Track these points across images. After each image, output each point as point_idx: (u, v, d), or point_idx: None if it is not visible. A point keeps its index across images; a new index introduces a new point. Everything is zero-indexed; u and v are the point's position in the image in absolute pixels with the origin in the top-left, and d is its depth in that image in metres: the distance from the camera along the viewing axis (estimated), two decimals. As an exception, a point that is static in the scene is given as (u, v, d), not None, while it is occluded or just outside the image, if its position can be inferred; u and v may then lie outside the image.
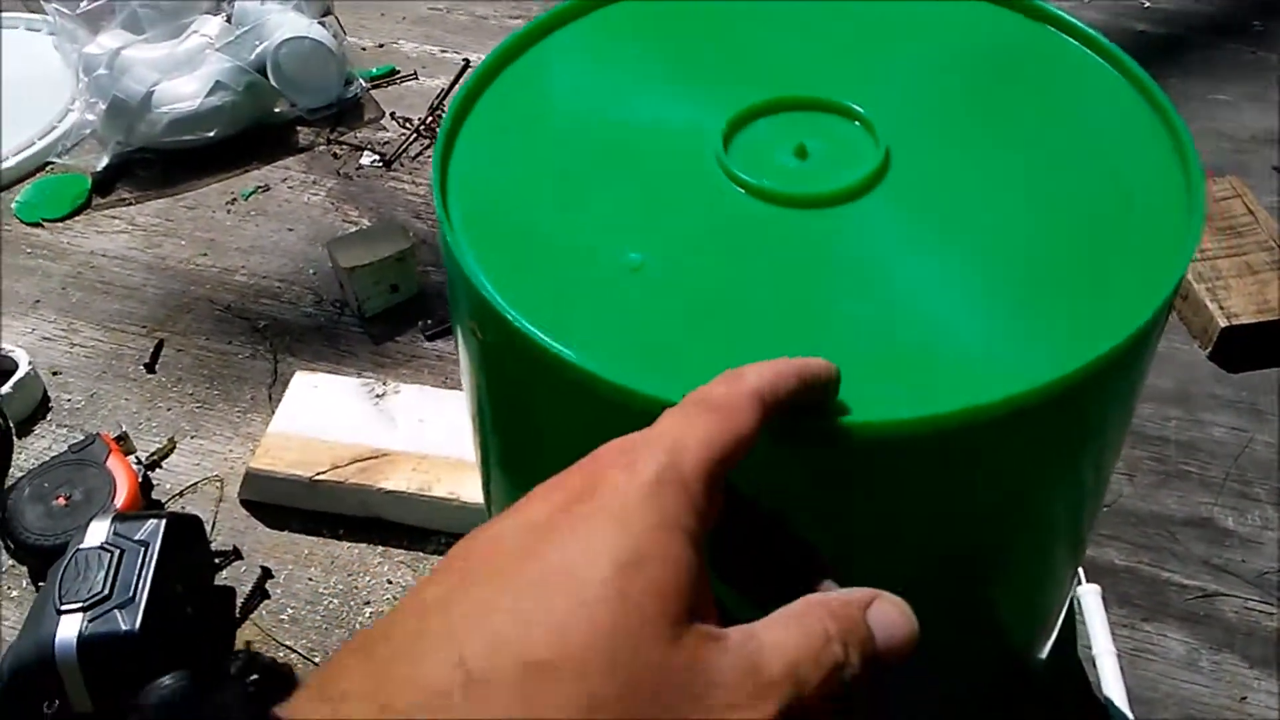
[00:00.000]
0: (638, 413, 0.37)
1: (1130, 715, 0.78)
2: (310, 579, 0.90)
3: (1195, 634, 0.85)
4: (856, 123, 0.50)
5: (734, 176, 0.49)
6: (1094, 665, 0.82)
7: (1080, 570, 0.87)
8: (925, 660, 0.54)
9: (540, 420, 0.48)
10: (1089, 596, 0.85)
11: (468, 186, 0.50)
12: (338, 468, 0.91)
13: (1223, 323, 1.02)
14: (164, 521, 0.81)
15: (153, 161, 1.25)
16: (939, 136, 0.50)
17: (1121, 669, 0.81)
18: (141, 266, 1.16)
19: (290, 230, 1.19)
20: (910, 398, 0.40)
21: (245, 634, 0.86)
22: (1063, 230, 0.47)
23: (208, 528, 0.91)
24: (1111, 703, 0.79)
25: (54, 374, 1.05)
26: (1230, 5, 1.44)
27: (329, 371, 1.02)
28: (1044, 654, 0.70)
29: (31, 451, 0.98)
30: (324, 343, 1.08)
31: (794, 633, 0.29)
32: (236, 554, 0.91)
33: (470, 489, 0.89)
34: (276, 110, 1.29)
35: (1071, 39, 0.54)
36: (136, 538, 0.80)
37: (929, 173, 0.49)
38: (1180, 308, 1.07)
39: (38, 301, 1.12)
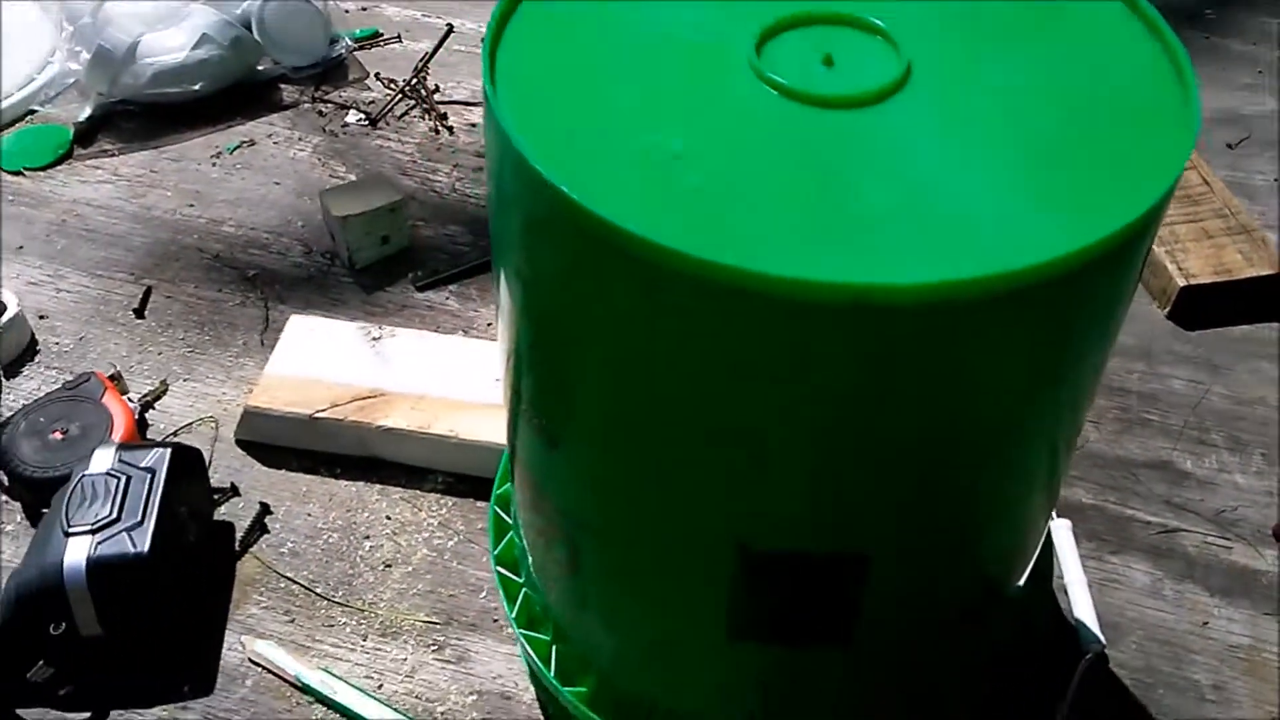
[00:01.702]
0: (687, 276, 0.40)
1: (1101, 637, 0.83)
2: (309, 515, 0.91)
3: (1159, 565, 0.90)
4: (879, 37, 0.54)
5: (766, 79, 0.52)
6: (1065, 594, 0.86)
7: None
8: (920, 581, 0.58)
9: (589, 295, 0.50)
10: (1060, 530, 0.90)
11: (514, 81, 0.52)
12: (336, 406, 0.92)
13: (1181, 283, 1.07)
14: (169, 450, 0.82)
15: (135, 113, 1.25)
16: (956, 52, 0.54)
17: (1091, 597, 0.86)
18: (127, 216, 1.15)
19: (277, 184, 1.20)
20: (908, 266, 0.44)
21: (246, 566, 0.87)
22: (1072, 130, 0.51)
23: (204, 465, 0.92)
24: (1083, 624, 0.84)
25: (41, 318, 1.05)
26: (1183, -6, 1.51)
27: (319, 317, 1.03)
28: (1022, 582, 0.74)
29: (20, 392, 0.98)
30: (315, 291, 1.08)
31: None
32: (235, 491, 0.91)
33: (468, 426, 0.91)
34: (260, 67, 1.29)
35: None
36: (143, 465, 0.80)
37: (947, 82, 0.52)
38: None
39: (21, 248, 1.11)
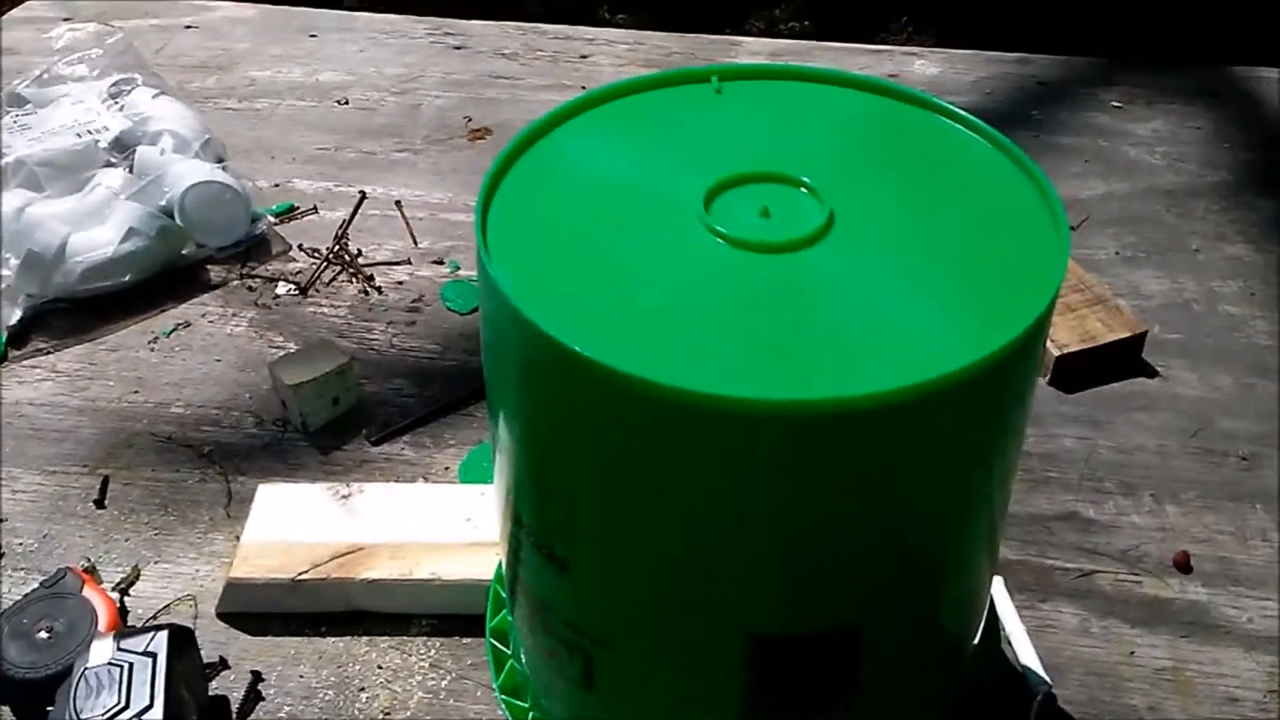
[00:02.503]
0: (686, 409, 0.49)
1: (1047, 678, 0.92)
2: (301, 676, 0.94)
3: (1083, 606, 1.01)
4: (803, 190, 0.65)
5: (715, 231, 0.62)
6: (1009, 644, 0.96)
7: (985, 566, 1.01)
8: (904, 644, 0.67)
9: (584, 430, 0.58)
10: (996, 587, 1.00)
11: (502, 244, 0.61)
12: (318, 566, 0.96)
13: (1056, 353, 1.22)
14: (167, 632, 0.85)
15: (67, 310, 1.28)
16: (868, 197, 0.65)
17: (1032, 643, 0.96)
18: (72, 410, 1.18)
19: (218, 360, 1.24)
20: (863, 379, 0.54)
21: (248, 734, 0.89)
22: (970, 253, 0.62)
23: (191, 642, 0.94)
24: (1029, 669, 0.93)
25: (0, 521, 1.06)
26: (1010, 101, 1.72)
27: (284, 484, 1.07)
28: (976, 639, 0.83)
29: (-11, 598, 0.98)
30: (273, 459, 1.13)
31: None
32: (224, 664, 0.94)
33: (448, 567, 0.96)
34: (186, 252, 1.35)
35: (949, 119, 0.71)
36: (143, 650, 0.83)
37: (863, 221, 0.63)
38: (1019, 345, 1.27)
39: (-33, 454, 1.13)
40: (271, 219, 1.42)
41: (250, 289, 1.34)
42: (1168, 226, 1.47)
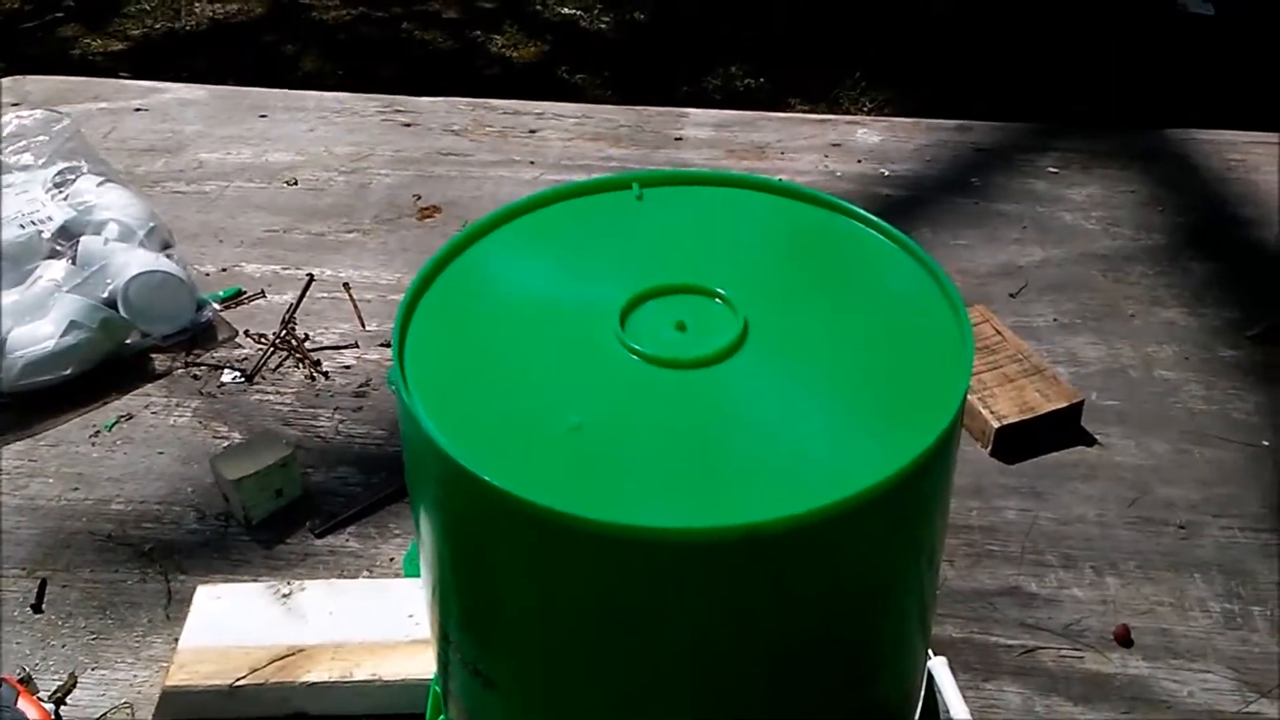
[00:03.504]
0: (597, 538, 0.49)
1: (992, 761, 0.92)
2: (241, 784, 0.92)
3: (1026, 685, 1.01)
4: (718, 301, 0.66)
5: (631, 349, 0.63)
6: (954, 727, 0.96)
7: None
8: None
9: (504, 562, 0.59)
10: (939, 668, 1.00)
11: (421, 367, 0.62)
12: (256, 670, 0.95)
13: (995, 424, 1.24)
14: (98, 747, 0.83)
15: (7, 405, 1.27)
16: (780, 304, 0.67)
17: (977, 724, 0.96)
18: (10, 510, 1.16)
19: (160, 454, 1.24)
20: (780, 500, 0.54)
21: None
22: (879, 361, 0.64)
23: (126, 753, 0.93)
24: (976, 753, 0.93)
25: (-67, 628, 1.04)
26: (950, 168, 1.76)
27: (224, 583, 1.06)
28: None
29: (-82, 711, 0.96)
30: (214, 555, 1.12)
31: None
32: (160, 773, 0.92)
33: (389, 667, 0.95)
34: (129, 341, 1.34)
35: (860, 223, 0.73)
36: (72, 768, 0.81)
37: (777, 332, 0.65)
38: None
39: (-99, 559, 1.11)
40: (217, 305, 1.42)
41: (195, 377, 1.34)
42: (1103, 292, 1.50)
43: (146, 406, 1.30)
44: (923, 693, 0.83)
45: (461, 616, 0.66)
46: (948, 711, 0.97)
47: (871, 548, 0.60)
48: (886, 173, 1.75)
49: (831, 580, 0.59)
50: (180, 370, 1.35)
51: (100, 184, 1.50)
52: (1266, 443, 1.26)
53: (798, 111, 1.94)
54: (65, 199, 1.46)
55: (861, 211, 0.73)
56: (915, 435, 0.58)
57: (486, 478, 0.54)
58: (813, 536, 0.55)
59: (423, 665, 0.94)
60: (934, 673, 1.00)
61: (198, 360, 1.36)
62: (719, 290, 0.67)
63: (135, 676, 1.00)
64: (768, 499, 0.55)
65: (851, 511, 0.55)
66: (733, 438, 0.59)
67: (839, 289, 0.69)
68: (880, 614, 0.65)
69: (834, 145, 1.82)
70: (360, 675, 0.95)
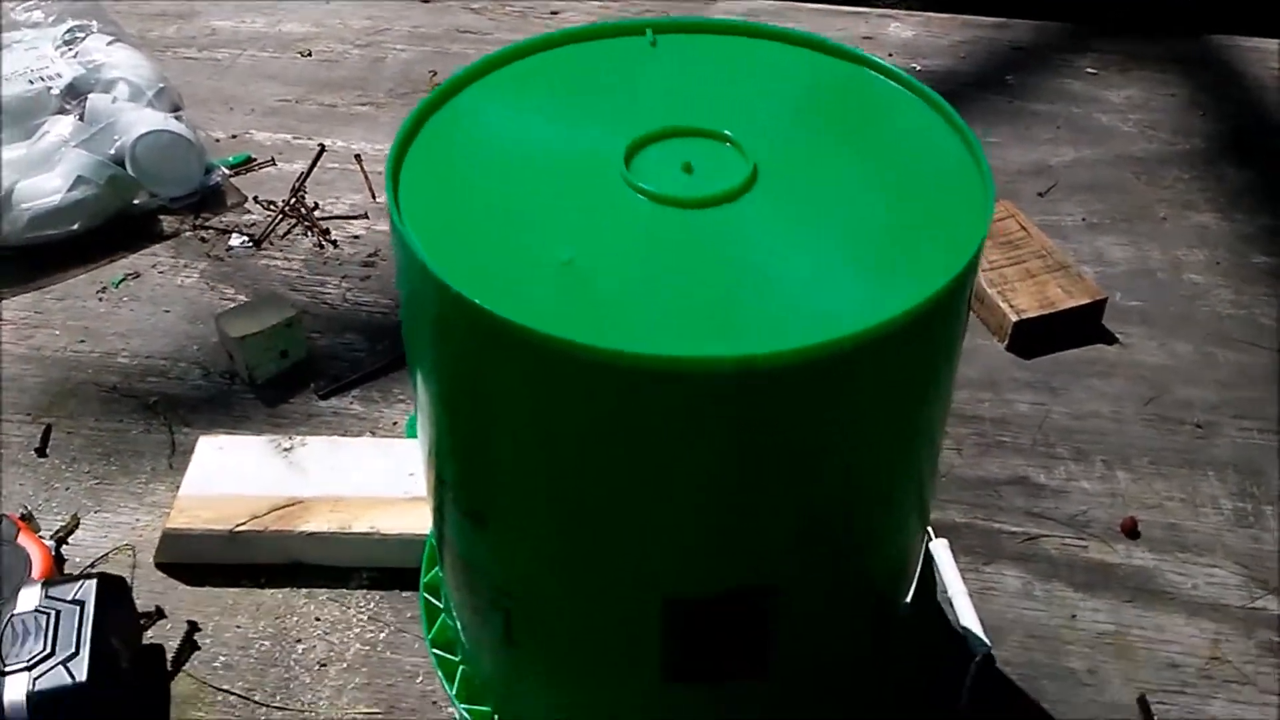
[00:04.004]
0: (593, 365, 0.47)
1: (987, 640, 0.92)
2: (238, 627, 0.93)
3: (1026, 570, 1.00)
4: (729, 145, 0.63)
5: (637, 187, 0.60)
6: (951, 605, 0.95)
7: (930, 529, 1.01)
8: (821, 609, 0.66)
9: (498, 392, 0.57)
10: (940, 549, 0.99)
11: (416, 201, 0.59)
12: (256, 518, 0.95)
13: (1014, 318, 1.21)
14: (95, 581, 0.84)
15: (14, 258, 1.26)
16: (793, 152, 0.64)
17: (973, 604, 0.95)
18: (16, 358, 1.16)
19: (167, 312, 1.23)
20: (778, 336, 0.52)
21: (181, 685, 0.88)
22: (893, 211, 0.61)
23: (126, 593, 0.93)
24: (970, 631, 0.93)
25: (-62, 468, 1.04)
26: (985, 65, 1.70)
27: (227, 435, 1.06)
28: (908, 599, 0.82)
29: (-76, 545, 0.97)
30: (218, 411, 1.11)
31: None
32: (160, 613, 0.93)
33: (387, 521, 0.95)
34: (137, 201, 1.33)
35: (884, 76, 0.70)
36: (70, 598, 0.82)
37: (788, 177, 0.62)
38: (979, 310, 1.26)
39: (-92, 400, 1.11)
40: (227, 170, 1.39)
41: (203, 240, 1.32)
42: (1136, 194, 1.46)
43: (154, 266, 1.28)
44: (919, 572, 0.83)
45: (456, 454, 0.65)
46: (945, 590, 0.96)
47: (868, 397, 0.58)
48: (919, 67, 1.69)
49: (826, 427, 0.57)
50: (188, 232, 1.33)
51: (110, 43, 1.46)
52: (1292, 348, 1.23)
53: (830, 3, 1.87)
54: (75, 57, 1.43)
55: (889, 65, 0.70)
56: (922, 283, 0.55)
57: (482, 304, 0.52)
58: (809, 374, 0.53)
59: (420, 520, 0.94)
60: (934, 553, 0.99)
61: (206, 223, 1.34)
62: (728, 134, 0.64)
63: (137, 520, 1.01)
64: (766, 333, 0.54)
65: (849, 352, 0.53)
66: (735, 276, 0.57)
67: (857, 139, 0.66)
68: (873, 473, 0.63)
69: (865, 39, 1.75)
70: (358, 528, 0.95)
